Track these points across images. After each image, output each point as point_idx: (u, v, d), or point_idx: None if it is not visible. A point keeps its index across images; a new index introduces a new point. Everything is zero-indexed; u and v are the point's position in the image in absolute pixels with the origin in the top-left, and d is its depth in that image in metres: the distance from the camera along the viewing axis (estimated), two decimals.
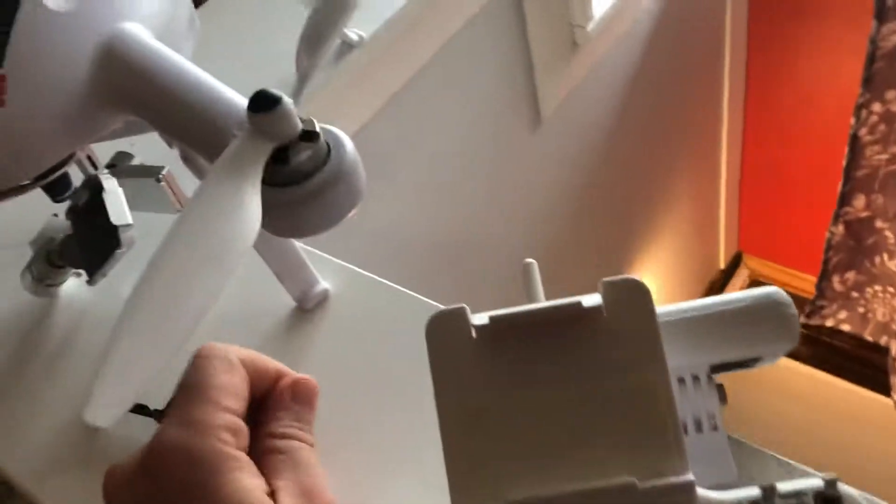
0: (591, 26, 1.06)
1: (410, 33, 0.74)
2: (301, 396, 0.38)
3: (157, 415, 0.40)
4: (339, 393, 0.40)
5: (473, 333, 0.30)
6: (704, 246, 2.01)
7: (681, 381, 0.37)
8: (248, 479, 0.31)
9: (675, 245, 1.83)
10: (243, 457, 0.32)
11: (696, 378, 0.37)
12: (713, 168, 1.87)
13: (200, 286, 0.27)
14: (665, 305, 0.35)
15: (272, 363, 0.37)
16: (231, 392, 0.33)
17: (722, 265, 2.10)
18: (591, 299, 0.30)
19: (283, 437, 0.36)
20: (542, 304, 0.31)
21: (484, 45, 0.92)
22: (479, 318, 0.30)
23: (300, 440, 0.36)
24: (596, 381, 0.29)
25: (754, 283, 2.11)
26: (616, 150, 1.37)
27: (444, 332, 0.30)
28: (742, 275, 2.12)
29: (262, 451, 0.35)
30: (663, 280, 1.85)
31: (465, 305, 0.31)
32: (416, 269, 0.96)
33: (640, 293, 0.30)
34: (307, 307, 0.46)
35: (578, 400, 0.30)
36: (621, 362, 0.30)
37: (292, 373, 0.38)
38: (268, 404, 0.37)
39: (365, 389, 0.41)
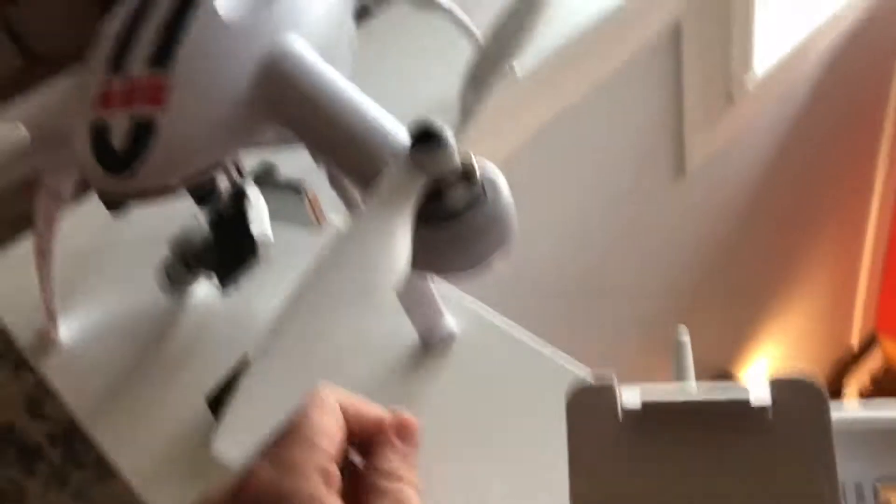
0: (750, 82, 1.01)
1: (564, 71, 0.72)
2: (407, 436, 0.37)
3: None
4: (450, 442, 0.38)
5: (621, 416, 0.27)
6: (837, 320, 1.90)
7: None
8: None
9: (807, 314, 1.73)
10: (335, 500, 0.31)
11: (858, 486, 0.33)
12: (858, 239, 1.76)
13: (347, 320, 0.25)
14: (833, 408, 0.32)
15: (374, 410, 0.36)
16: (325, 434, 0.32)
17: (854, 344, 1.97)
18: (759, 398, 0.27)
19: (389, 474, 0.34)
20: (702, 396, 0.28)
21: (636, 91, 0.89)
22: (629, 399, 0.27)
23: (405, 481, 0.34)
24: (755, 485, 0.26)
25: (889, 368, 1.97)
26: (758, 211, 1.30)
27: (588, 408, 0.28)
28: (876, 357, 1.98)
29: (366, 490, 0.34)
30: (788, 350, 1.75)
31: (613, 381, 0.28)
32: (541, 309, 0.93)
33: (815, 396, 0.27)
34: (431, 346, 0.44)
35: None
36: (785, 469, 0.27)
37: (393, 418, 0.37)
38: (373, 443, 0.36)
39: (478, 444, 0.39)
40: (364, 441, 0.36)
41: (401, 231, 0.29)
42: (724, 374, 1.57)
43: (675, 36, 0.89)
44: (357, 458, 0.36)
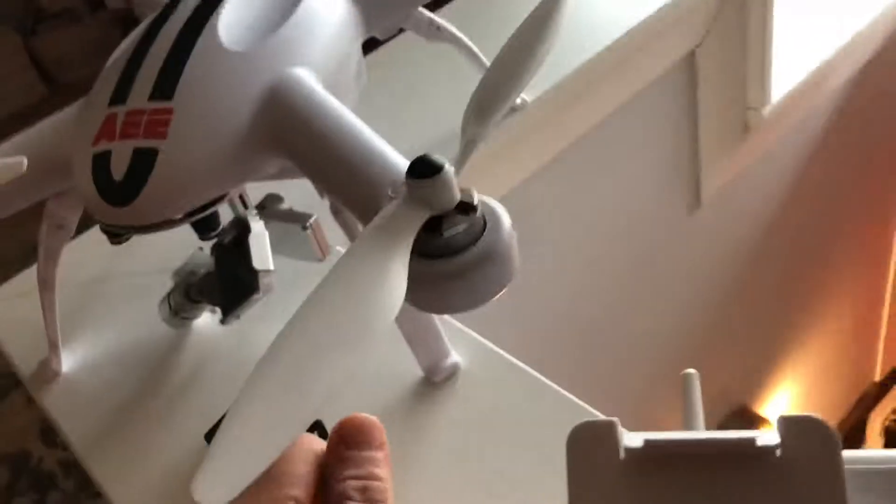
0: (766, 110, 1.00)
1: (575, 102, 0.72)
2: (350, 440, 0.34)
3: None
4: (454, 475, 0.38)
5: (622, 454, 0.26)
6: (860, 354, 1.86)
7: None
8: None
9: (828, 349, 1.70)
10: None
11: None
12: (880, 270, 1.73)
13: (334, 362, 0.25)
14: (847, 451, 0.31)
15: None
16: (298, 483, 0.31)
17: (878, 378, 1.94)
18: (767, 438, 0.26)
19: (362, 490, 0.33)
20: (707, 434, 0.27)
21: (649, 120, 0.88)
22: (632, 439, 0.26)
23: (367, 479, 0.33)
24: None
25: None
26: (776, 242, 1.28)
27: (589, 446, 0.27)
28: None
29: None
30: (809, 385, 1.72)
31: (615, 420, 0.27)
32: (546, 346, 0.92)
33: (826, 438, 0.26)
34: (435, 380, 0.43)
35: None
36: None
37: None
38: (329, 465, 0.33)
39: (482, 480, 0.38)
40: None
41: (397, 265, 0.28)
42: (744, 411, 1.54)
43: (690, 64, 0.88)
44: None
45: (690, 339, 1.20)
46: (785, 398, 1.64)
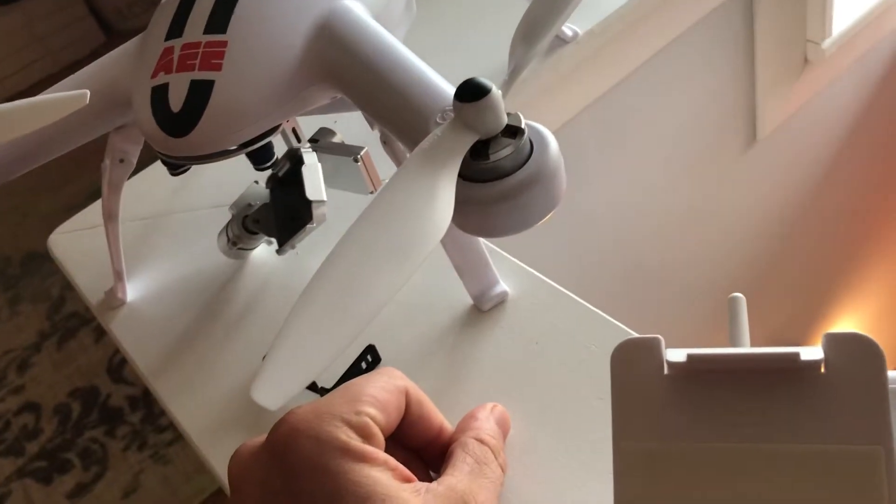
0: (826, 44, 0.97)
1: (627, 34, 0.71)
2: (503, 423, 0.37)
3: (325, 393, 0.40)
4: (504, 401, 0.38)
5: (666, 369, 0.27)
6: None
7: None
8: (377, 469, 0.30)
9: (889, 288, 1.66)
10: (376, 452, 0.31)
11: None
12: None
13: (383, 277, 0.26)
14: (894, 371, 0.31)
15: (438, 416, 0.36)
16: (378, 406, 0.32)
17: None
18: (811, 352, 0.26)
19: (484, 443, 0.35)
20: (751, 349, 0.27)
21: (704, 54, 0.86)
22: (675, 354, 0.27)
23: (492, 449, 0.35)
24: (804, 444, 0.26)
25: None
26: (834, 181, 1.25)
27: (633, 362, 0.27)
28: None
29: (456, 446, 0.34)
30: (867, 329, 1.69)
31: (659, 337, 0.28)
32: (599, 281, 0.92)
33: (871, 353, 0.26)
34: (484, 308, 0.44)
35: (779, 463, 0.26)
36: (837, 428, 0.26)
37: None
38: (469, 417, 0.37)
39: (532, 403, 0.39)
40: (420, 445, 0.36)
41: (444, 187, 0.29)
42: None
43: None
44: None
45: (744, 278, 1.18)
46: None
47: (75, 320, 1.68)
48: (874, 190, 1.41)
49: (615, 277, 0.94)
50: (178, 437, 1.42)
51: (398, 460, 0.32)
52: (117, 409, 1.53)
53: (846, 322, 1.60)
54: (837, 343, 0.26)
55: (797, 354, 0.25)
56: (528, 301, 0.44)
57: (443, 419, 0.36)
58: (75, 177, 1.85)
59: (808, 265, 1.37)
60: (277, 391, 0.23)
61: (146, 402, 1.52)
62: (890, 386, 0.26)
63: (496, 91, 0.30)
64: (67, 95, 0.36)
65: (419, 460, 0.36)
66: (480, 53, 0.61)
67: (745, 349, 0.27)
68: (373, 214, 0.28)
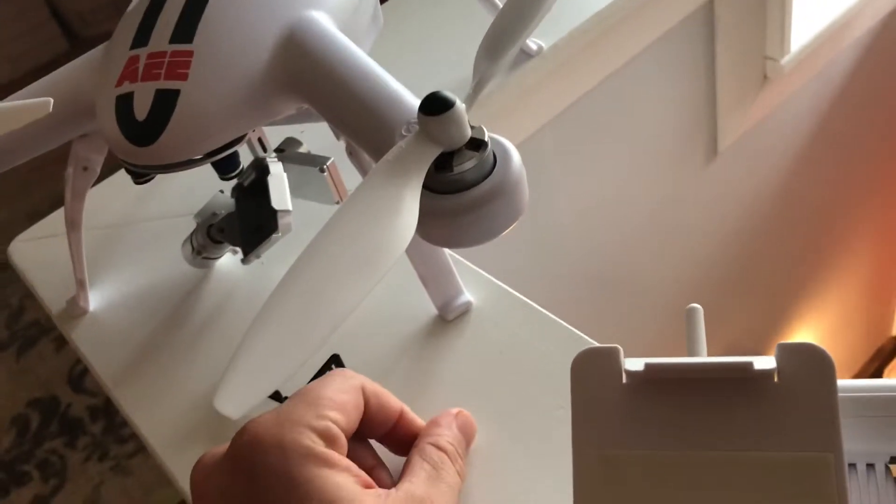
0: (785, 60, 1.00)
1: (591, 49, 0.72)
2: (466, 429, 0.38)
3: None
4: (468, 409, 0.39)
5: (624, 378, 0.27)
6: (877, 308, 1.86)
7: (851, 466, 0.32)
8: (341, 475, 0.30)
9: (844, 302, 1.70)
10: (340, 458, 0.31)
11: (870, 467, 0.32)
12: None
13: (347, 287, 0.26)
14: (845, 380, 0.32)
15: (395, 402, 0.37)
16: (338, 408, 0.33)
17: (895, 332, 1.93)
18: (764, 362, 0.27)
19: (442, 449, 0.35)
20: (706, 359, 0.28)
21: (666, 70, 0.88)
22: (633, 363, 0.27)
23: (450, 455, 0.35)
24: (756, 452, 0.26)
25: None
26: (793, 194, 1.28)
27: (592, 371, 0.28)
28: None
29: (414, 453, 0.35)
30: (825, 339, 1.72)
31: (618, 346, 0.28)
32: (560, 293, 0.93)
33: (821, 363, 0.27)
34: (448, 318, 0.44)
35: (732, 470, 0.26)
36: (789, 436, 0.26)
37: (414, 415, 0.37)
38: (432, 423, 0.37)
39: (495, 412, 0.40)
40: (384, 434, 0.36)
41: (409, 198, 0.29)
42: None
43: (709, 12, 0.87)
44: None
45: (704, 290, 1.20)
46: None
47: (35, 329, 1.65)
48: (831, 203, 1.45)
49: (578, 288, 0.95)
50: (140, 448, 1.41)
51: (363, 467, 0.32)
52: (78, 420, 1.51)
53: (803, 334, 1.63)
54: (790, 353, 0.27)
55: (750, 364, 0.26)
56: (491, 311, 0.44)
57: (401, 404, 0.37)
58: (37, 185, 1.82)
59: (767, 277, 1.39)
60: (239, 400, 0.23)
61: (107, 412, 1.50)
62: (840, 395, 0.27)
63: (460, 105, 0.31)
64: (30, 103, 0.35)
65: (383, 467, 0.36)
66: (446, 66, 0.62)
67: (702, 359, 0.28)
68: (337, 224, 0.28)
